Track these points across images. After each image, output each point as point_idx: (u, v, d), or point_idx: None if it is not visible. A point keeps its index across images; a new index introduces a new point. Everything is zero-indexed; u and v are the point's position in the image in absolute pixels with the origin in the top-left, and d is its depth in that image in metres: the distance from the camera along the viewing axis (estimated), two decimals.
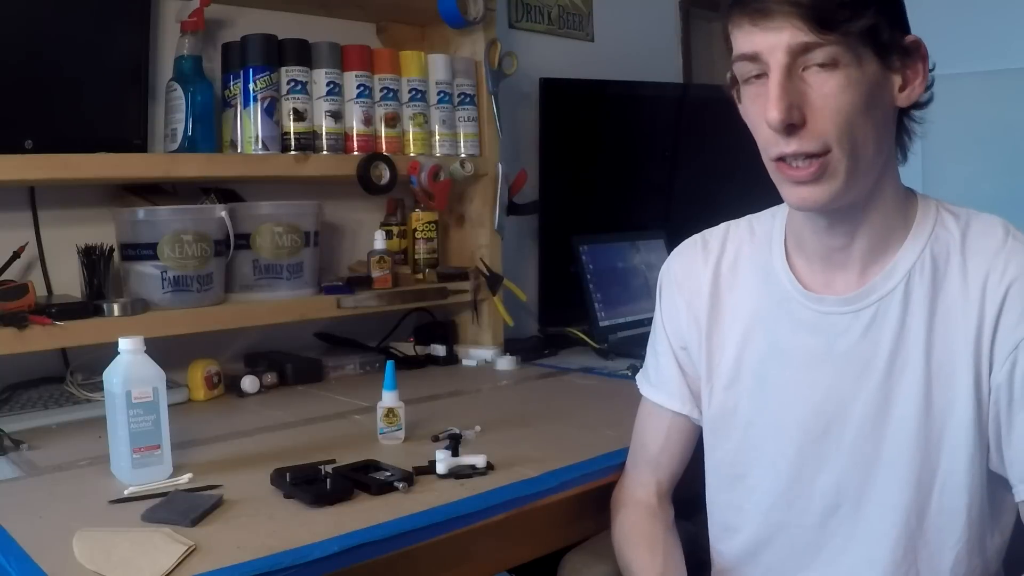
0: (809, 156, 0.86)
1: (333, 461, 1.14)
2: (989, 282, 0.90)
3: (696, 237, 1.13)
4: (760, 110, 0.88)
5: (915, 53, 0.90)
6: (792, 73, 0.85)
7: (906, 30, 0.90)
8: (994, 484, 0.92)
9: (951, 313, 0.91)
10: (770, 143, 0.88)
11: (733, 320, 1.06)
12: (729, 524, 1.07)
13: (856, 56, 0.85)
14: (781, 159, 0.88)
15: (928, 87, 0.92)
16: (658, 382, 1.14)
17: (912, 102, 0.91)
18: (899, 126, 0.94)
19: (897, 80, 0.90)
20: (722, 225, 1.12)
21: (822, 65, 0.84)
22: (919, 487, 0.92)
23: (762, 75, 0.87)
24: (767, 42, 0.85)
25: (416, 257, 1.93)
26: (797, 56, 0.84)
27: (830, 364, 0.96)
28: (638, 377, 1.18)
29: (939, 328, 0.92)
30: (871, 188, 0.91)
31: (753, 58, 0.87)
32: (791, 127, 0.85)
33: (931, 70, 0.91)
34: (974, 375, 0.90)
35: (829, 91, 0.85)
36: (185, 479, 1.12)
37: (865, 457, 0.94)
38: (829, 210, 0.91)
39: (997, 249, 0.91)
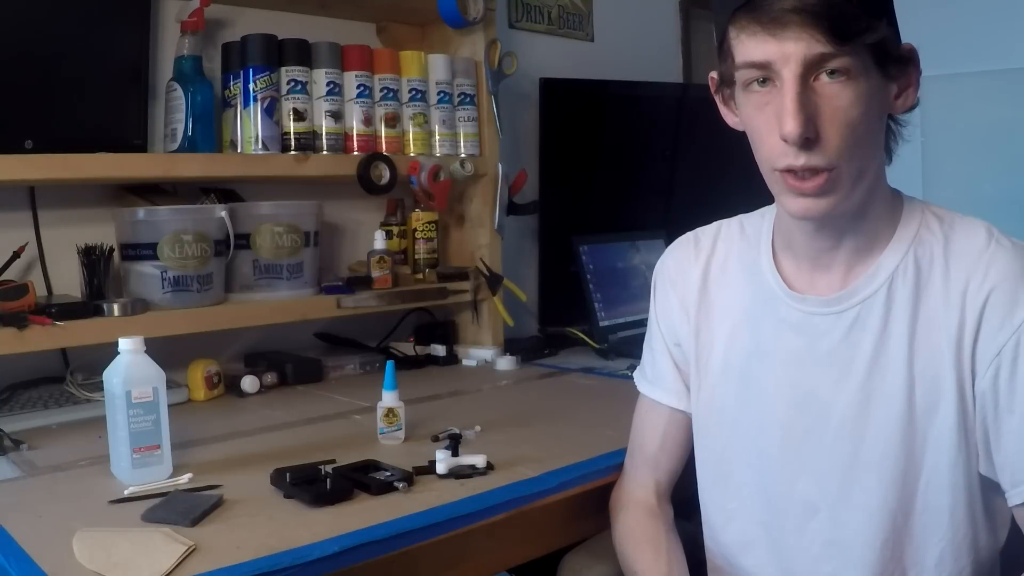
0: (817, 170, 0.86)
1: (333, 461, 1.14)
2: (970, 287, 0.89)
3: (689, 235, 1.13)
4: (767, 120, 0.87)
5: (910, 61, 0.90)
6: (806, 84, 0.83)
7: (900, 38, 0.90)
8: (986, 486, 0.92)
9: (933, 316, 0.91)
10: (778, 154, 0.87)
11: (722, 318, 1.06)
12: (718, 522, 1.08)
13: (864, 68, 0.84)
14: (787, 170, 0.87)
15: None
16: (654, 378, 1.14)
17: (906, 109, 0.92)
18: (886, 129, 0.93)
19: (893, 88, 0.90)
20: (714, 224, 1.12)
21: (833, 77, 0.83)
22: (904, 487, 0.92)
23: (767, 82, 0.86)
24: (782, 51, 0.83)
25: (416, 257, 1.93)
26: (812, 67, 0.83)
27: (813, 364, 0.96)
28: (635, 374, 1.18)
29: (921, 331, 0.91)
30: (865, 194, 0.91)
31: (763, 66, 0.85)
32: (807, 141, 0.84)
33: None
34: (956, 378, 0.90)
35: (840, 104, 0.84)
36: (185, 479, 1.12)
37: (844, 459, 0.94)
38: (827, 219, 0.91)
39: (979, 253, 0.90)
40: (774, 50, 0.84)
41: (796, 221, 0.95)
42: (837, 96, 0.84)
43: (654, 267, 1.16)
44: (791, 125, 0.83)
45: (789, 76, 0.83)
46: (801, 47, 0.82)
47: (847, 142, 0.85)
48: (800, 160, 0.85)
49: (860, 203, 0.91)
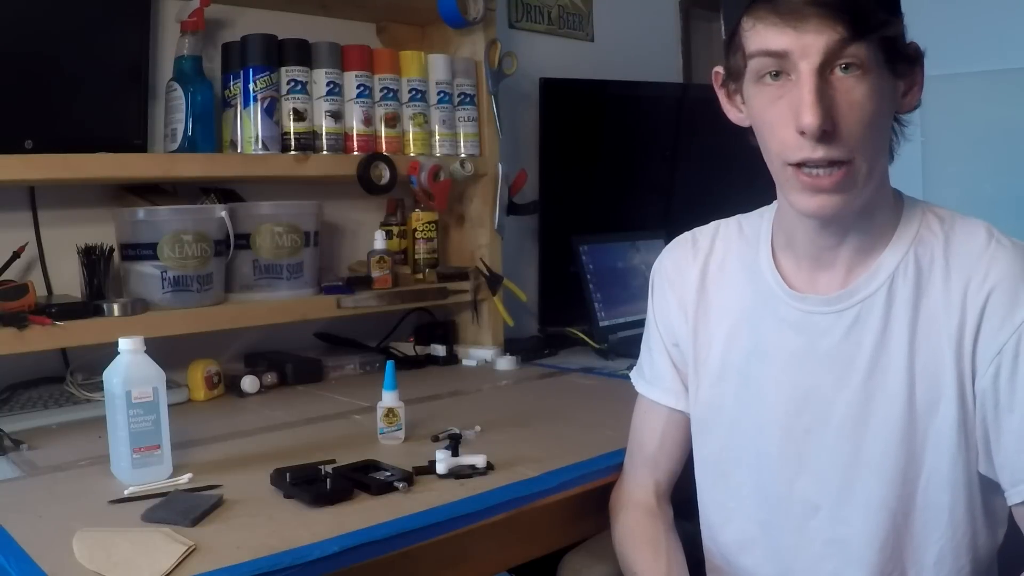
0: (832, 164, 0.85)
1: (333, 461, 1.14)
2: (970, 287, 0.89)
3: (687, 235, 1.13)
4: (781, 113, 0.86)
5: (916, 60, 0.90)
6: (822, 78, 0.83)
7: (906, 37, 0.90)
8: (985, 485, 0.92)
9: (934, 316, 0.91)
10: (791, 148, 0.86)
11: (720, 318, 1.06)
12: (717, 522, 1.08)
13: (876, 63, 0.84)
14: (799, 165, 0.87)
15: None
16: (652, 378, 1.14)
17: (911, 108, 0.92)
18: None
19: (901, 86, 0.90)
20: (712, 224, 1.12)
21: (847, 71, 0.83)
22: (903, 486, 0.92)
23: (781, 74, 0.86)
24: (801, 43, 0.83)
25: (416, 257, 1.93)
26: (829, 59, 0.83)
27: (813, 363, 0.96)
28: (633, 374, 1.18)
29: (922, 331, 0.91)
30: (873, 192, 0.91)
31: (780, 56, 0.85)
32: (824, 134, 0.83)
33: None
34: (957, 377, 0.90)
35: (856, 98, 0.84)
36: (185, 479, 1.12)
37: (845, 457, 0.94)
38: (837, 216, 0.91)
39: (979, 253, 0.90)
40: (792, 41, 0.83)
41: (800, 219, 0.95)
42: (852, 89, 0.84)
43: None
44: (810, 117, 0.82)
45: (807, 68, 0.83)
46: (822, 39, 0.82)
47: (863, 137, 0.85)
48: (818, 152, 0.85)
49: (867, 201, 0.91)
